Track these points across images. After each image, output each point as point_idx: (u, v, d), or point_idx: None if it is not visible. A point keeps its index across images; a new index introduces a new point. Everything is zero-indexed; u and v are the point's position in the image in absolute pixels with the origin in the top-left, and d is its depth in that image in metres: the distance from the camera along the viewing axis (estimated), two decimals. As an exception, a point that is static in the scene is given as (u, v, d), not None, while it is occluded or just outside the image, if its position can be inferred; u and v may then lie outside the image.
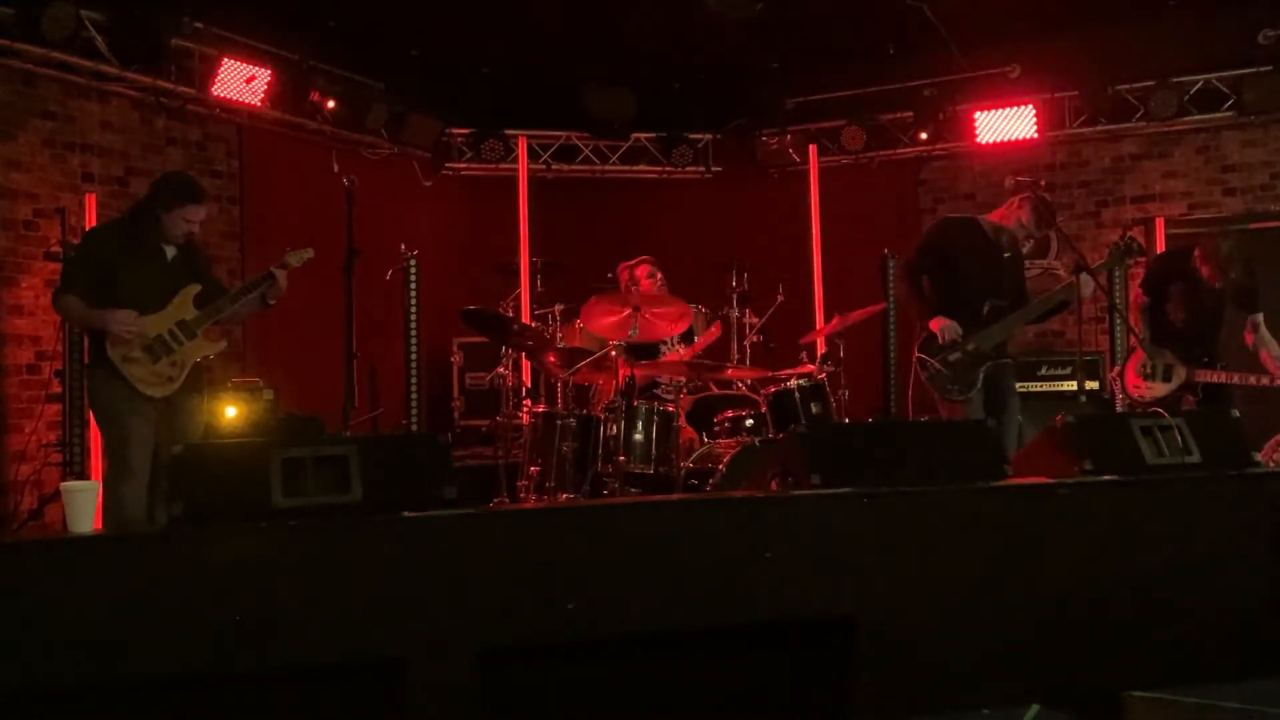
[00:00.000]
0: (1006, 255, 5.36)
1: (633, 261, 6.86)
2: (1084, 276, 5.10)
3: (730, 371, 6.30)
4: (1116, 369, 5.77)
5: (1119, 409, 6.07)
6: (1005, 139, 8.75)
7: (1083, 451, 3.50)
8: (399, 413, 7.56)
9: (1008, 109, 8.72)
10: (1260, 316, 5.60)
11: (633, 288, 6.61)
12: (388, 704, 2.70)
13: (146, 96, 7.29)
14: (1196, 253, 5.51)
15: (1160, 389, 5.55)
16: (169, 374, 4.66)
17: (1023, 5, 7.88)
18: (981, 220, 5.49)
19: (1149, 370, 5.59)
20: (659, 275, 6.75)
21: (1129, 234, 5.43)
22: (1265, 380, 5.47)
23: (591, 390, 6.64)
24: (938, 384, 5.28)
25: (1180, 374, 5.53)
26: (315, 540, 2.69)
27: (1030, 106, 8.65)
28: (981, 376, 5.24)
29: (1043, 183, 5.44)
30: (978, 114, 8.80)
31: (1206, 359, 5.52)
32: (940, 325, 5.25)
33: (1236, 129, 8.46)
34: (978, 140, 8.86)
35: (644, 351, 6.31)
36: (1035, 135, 8.69)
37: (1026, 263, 5.76)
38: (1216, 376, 5.48)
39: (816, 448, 3.29)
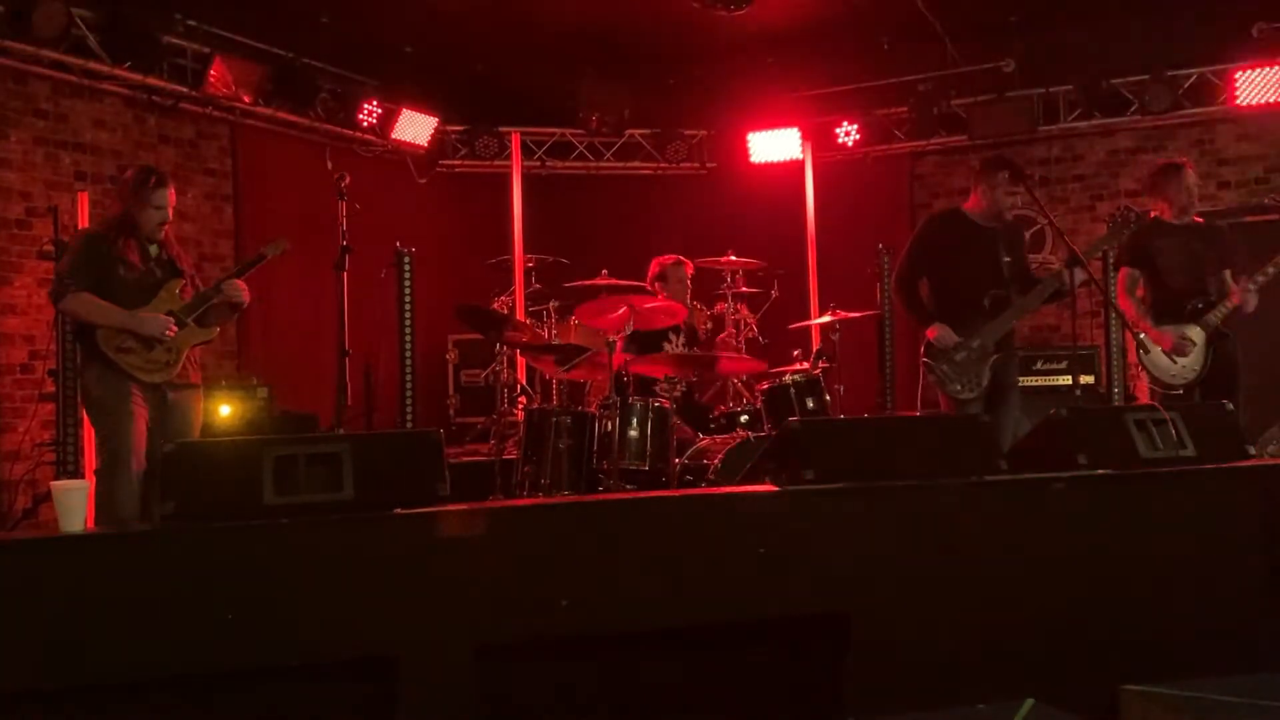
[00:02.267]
0: (1001, 243, 5.27)
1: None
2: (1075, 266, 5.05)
3: (725, 363, 6.23)
4: (1141, 370, 5.65)
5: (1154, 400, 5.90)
6: (999, 134, 8.75)
7: (1077, 446, 3.50)
8: (394, 410, 7.55)
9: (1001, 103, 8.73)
10: (1229, 273, 5.53)
11: (657, 282, 6.68)
12: (381, 702, 2.69)
13: (139, 94, 7.27)
14: (1150, 206, 5.48)
15: (1191, 361, 5.42)
16: (165, 359, 4.69)
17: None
18: (965, 209, 5.38)
19: (1171, 352, 5.48)
20: (669, 278, 6.73)
21: (1125, 206, 5.34)
22: (1261, 278, 5.31)
23: (586, 387, 6.63)
24: (945, 386, 5.19)
25: (1198, 333, 5.41)
26: (307, 538, 2.68)
27: (1026, 100, 8.66)
28: (988, 373, 5.19)
29: (1036, 177, 5.38)
30: (973, 109, 8.80)
31: (1201, 304, 5.42)
32: (936, 334, 5.18)
33: (1231, 123, 8.46)
34: (972, 136, 8.86)
35: (646, 347, 6.30)
36: (1030, 131, 8.70)
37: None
38: (1227, 308, 5.37)
39: (811, 443, 3.28)
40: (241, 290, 4.88)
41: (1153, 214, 5.63)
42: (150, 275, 4.76)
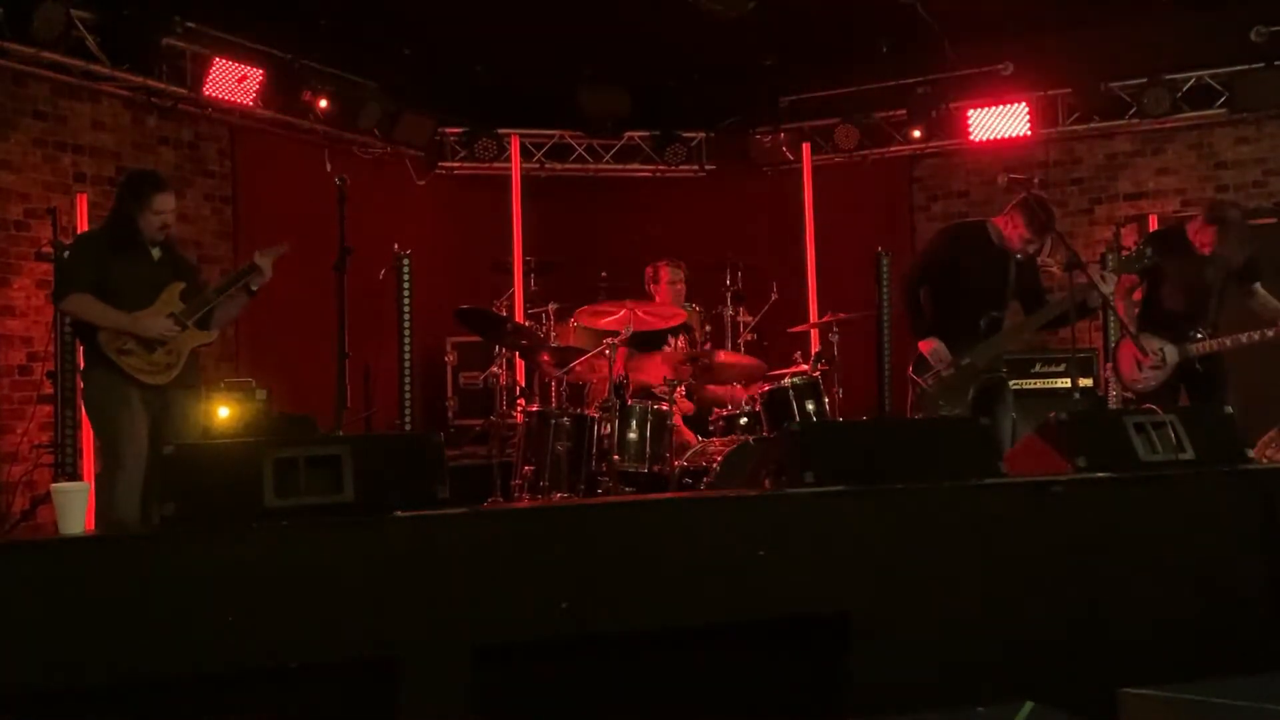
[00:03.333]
0: (1013, 265, 5.23)
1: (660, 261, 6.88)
2: (1106, 275, 4.98)
3: (723, 355, 6.21)
4: (1109, 365, 5.66)
5: (1113, 403, 5.96)
6: (999, 136, 8.76)
7: (1076, 449, 3.50)
8: (393, 412, 7.55)
9: (1001, 106, 8.73)
10: (1259, 285, 5.45)
11: (652, 285, 6.68)
12: (381, 703, 2.69)
13: (138, 96, 7.27)
14: (1196, 220, 5.41)
15: (1152, 376, 5.41)
16: (166, 361, 4.71)
17: (1015, 3, 7.88)
18: (990, 226, 5.31)
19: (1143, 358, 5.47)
20: (664, 281, 6.72)
21: (1144, 248, 5.29)
22: (1257, 335, 5.29)
23: (586, 389, 6.64)
24: (927, 403, 5.18)
25: (1173, 354, 5.39)
26: (307, 540, 2.68)
27: (1023, 104, 8.66)
28: (973, 392, 5.15)
29: (1036, 181, 5.37)
30: (971, 111, 8.81)
31: (1197, 333, 5.39)
32: (929, 349, 5.16)
33: (1229, 126, 8.48)
34: (971, 138, 8.87)
35: (646, 350, 6.31)
36: (1029, 133, 8.70)
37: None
38: (1210, 347, 5.35)
39: (810, 445, 3.29)
40: (266, 273, 4.90)
41: (1183, 223, 5.56)
42: (151, 278, 4.77)
